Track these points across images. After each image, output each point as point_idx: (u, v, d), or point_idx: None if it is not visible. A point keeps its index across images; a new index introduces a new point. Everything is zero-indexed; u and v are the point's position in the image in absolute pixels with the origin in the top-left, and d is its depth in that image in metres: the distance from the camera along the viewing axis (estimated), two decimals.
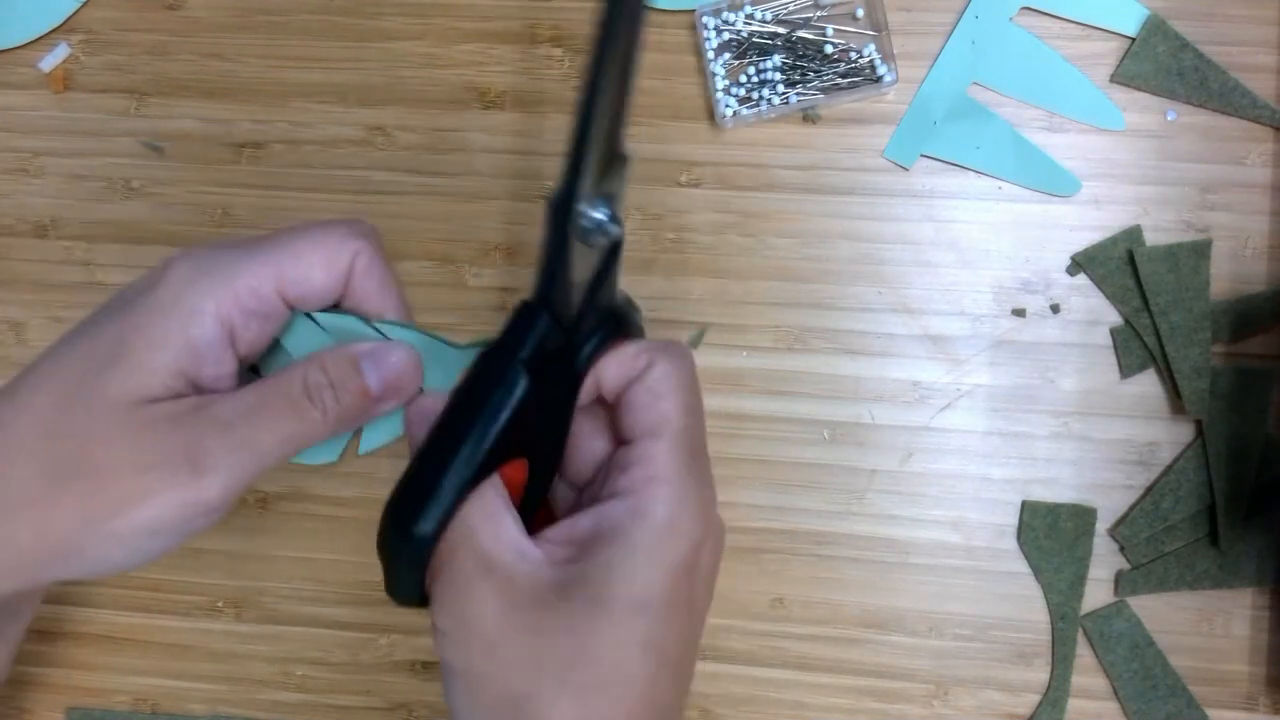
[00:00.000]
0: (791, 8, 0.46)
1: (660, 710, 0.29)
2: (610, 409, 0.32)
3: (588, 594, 0.28)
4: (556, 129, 0.47)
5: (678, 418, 0.30)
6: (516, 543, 0.29)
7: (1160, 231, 0.44)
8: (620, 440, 0.31)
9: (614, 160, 0.30)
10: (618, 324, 0.31)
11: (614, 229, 0.29)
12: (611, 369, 0.31)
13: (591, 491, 0.32)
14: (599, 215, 0.29)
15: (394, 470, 0.46)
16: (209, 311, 0.30)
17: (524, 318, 0.30)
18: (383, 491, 0.46)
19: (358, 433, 0.36)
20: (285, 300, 0.32)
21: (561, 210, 0.28)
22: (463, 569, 0.28)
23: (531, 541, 0.29)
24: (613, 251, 0.31)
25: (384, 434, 0.37)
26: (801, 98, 0.45)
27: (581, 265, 0.29)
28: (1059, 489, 0.44)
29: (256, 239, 0.32)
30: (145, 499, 0.29)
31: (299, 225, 0.33)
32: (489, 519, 0.29)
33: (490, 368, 0.29)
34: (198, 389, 0.31)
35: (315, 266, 0.32)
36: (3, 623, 0.36)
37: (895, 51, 0.45)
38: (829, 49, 0.45)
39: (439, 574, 0.29)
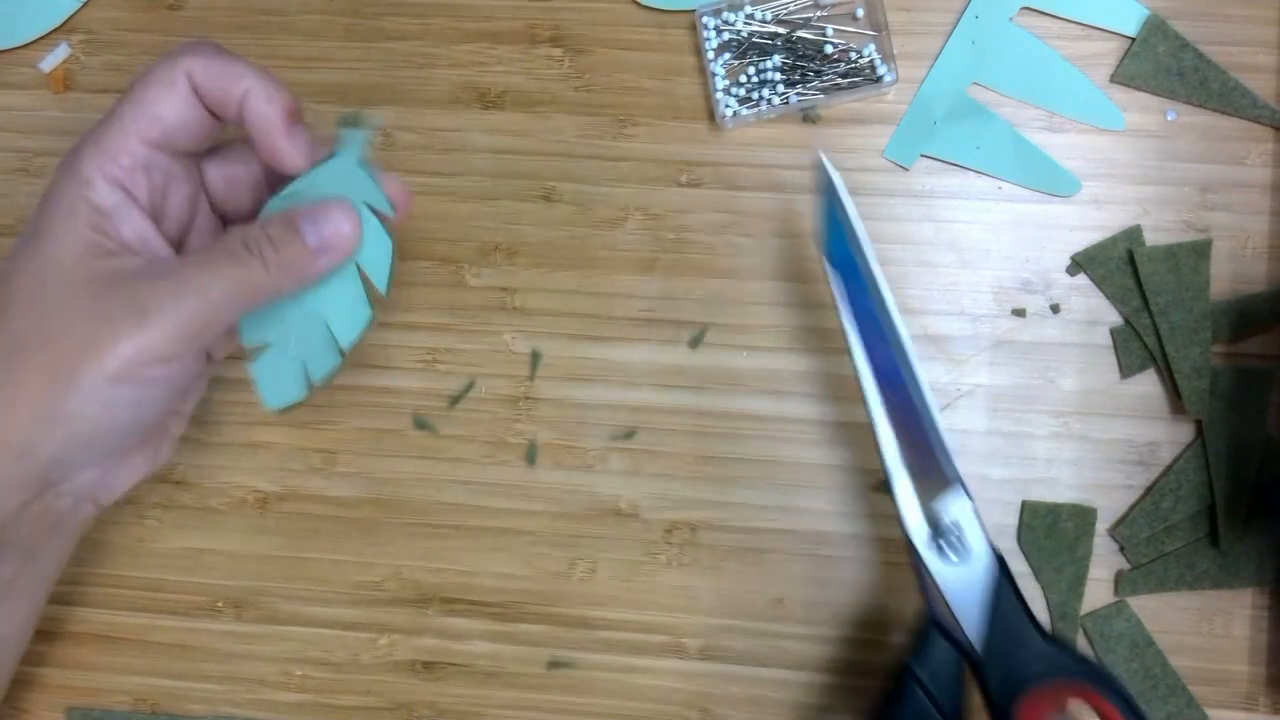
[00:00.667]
0: (791, 8, 0.46)
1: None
2: None
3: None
4: (556, 129, 0.47)
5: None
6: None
7: (1160, 231, 0.44)
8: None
9: (941, 484, 0.37)
10: (1071, 671, 0.35)
11: (961, 551, 0.37)
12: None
13: None
14: (946, 543, 0.37)
15: (394, 471, 0.46)
16: (94, 176, 0.34)
17: (921, 630, 0.38)
18: (382, 491, 0.46)
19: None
20: (152, 144, 0.35)
21: (911, 547, 0.37)
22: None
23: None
24: (1000, 580, 0.36)
25: (294, 391, 0.38)
26: (801, 98, 0.45)
27: (963, 588, 0.36)
28: (1059, 489, 0.44)
29: (114, 104, 0.36)
30: (99, 349, 0.32)
31: (134, 77, 0.36)
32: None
33: (896, 676, 0.37)
34: (129, 248, 0.34)
35: (156, 103, 0.35)
36: (18, 564, 0.36)
37: (895, 51, 0.45)
38: (829, 49, 0.45)
39: None
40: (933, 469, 0.37)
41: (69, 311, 0.33)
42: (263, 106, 0.35)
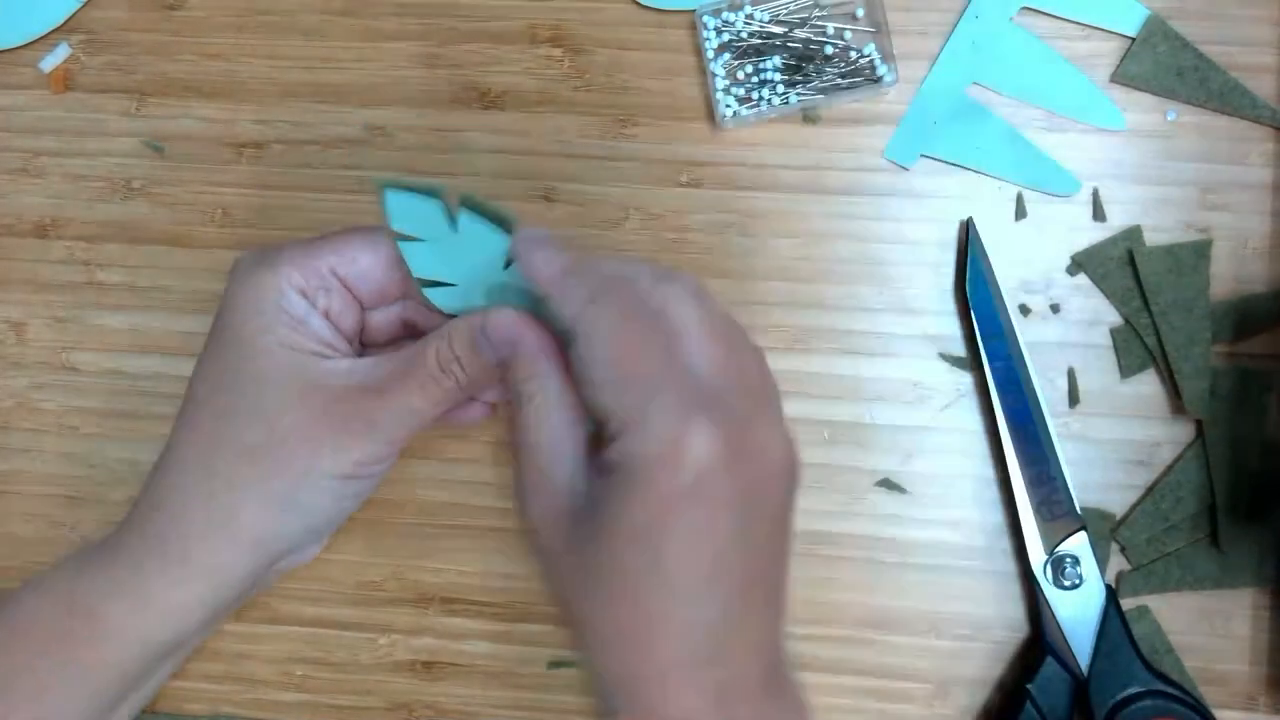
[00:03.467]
0: (791, 7, 0.46)
1: (683, 629, 0.30)
2: None
3: (595, 520, 0.30)
4: (556, 129, 0.47)
5: (618, 358, 0.31)
6: (566, 459, 0.32)
7: (1160, 231, 0.44)
8: None
9: (1060, 517, 0.42)
10: (1169, 698, 0.39)
11: (1076, 581, 0.41)
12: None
13: None
14: (1062, 573, 0.41)
15: (394, 470, 0.46)
16: (282, 286, 0.36)
17: (1032, 655, 0.42)
18: (382, 491, 0.46)
19: None
20: (341, 280, 0.37)
21: (1031, 576, 0.42)
22: (530, 480, 0.32)
23: (579, 461, 0.32)
24: (1109, 609, 0.40)
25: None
26: (801, 98, 0.45)
27: (1075, 615, 0.41)
28: None
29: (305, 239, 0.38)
30: (333, 456, 0.36)
31: (349, 226, 0.38)
32: (545, 436, 0.32)
33: (1012, 696, 0.41)
34: (323, 344, 0.36)
35: (361, 256, 0.37)
36: (205, 631, 0.40)
37: (895, 51, 0.45)
38: (829, 49, 0.45)
39: (515, 472, 0.33)
40: (1053, 503, 0.42)
41: (299, 418, 0.35)
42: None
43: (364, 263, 0.37)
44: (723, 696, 0.30)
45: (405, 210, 0.36)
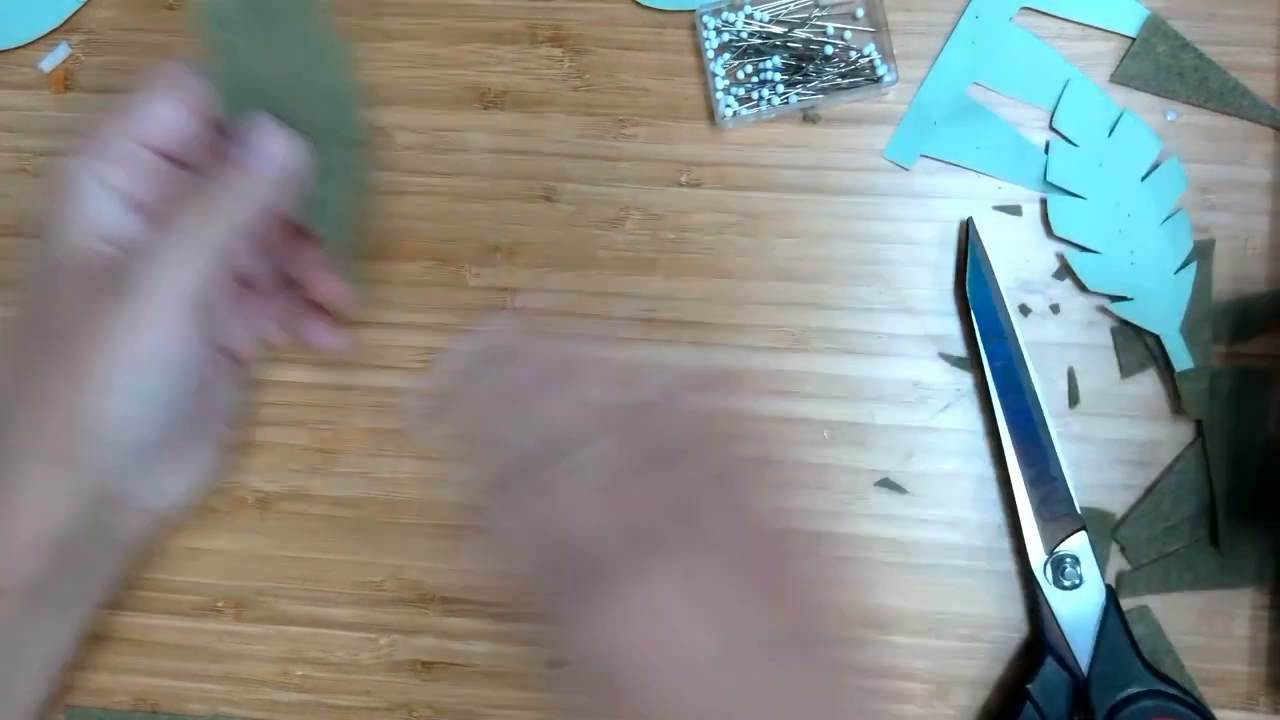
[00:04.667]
0: (791, 7, 0.46)
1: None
2: None
3: None
4: (557, 129, 0.47)
5: None
6: None
7: None
8: None
9: (1060, 518, 0.41)
10: (1170, 698, 0.39)
11: (1076, 581, 0.41)
12: None
13: None
14: (1063, 573, 0.41)
15: (394, 471, 0.46)
16: (89, 183, 0.35)
17: (1031, 655, 0.42)
18: (382, 491, 0.46)
19: None
20: (148, 146, 0.36)
21: (1031, 576, 0.41)
22: None
23: None
24: (1109, 609, 0.40)
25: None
26: (801, 98, 0.45)
27: (1075, 615, 0.40)
28: None
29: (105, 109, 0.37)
30: (102, 341, 0.33)
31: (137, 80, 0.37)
32: None
33: (1011, 696, 0.41)
34: (113, 241, 0.35)
35: (155, 104, 0.36)
36: (73, 579, 0.37)
37: (895, 51, 0.45)
38: (829, 49, 0.45)
39: None
40: (1053, 503, 0.42)
41: (71, 312, 0.33)
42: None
43: (164, 115, 0.36)
44: None
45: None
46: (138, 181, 0.36)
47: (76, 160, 0.36)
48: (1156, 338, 0.44)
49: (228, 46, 0.35)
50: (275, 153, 0.36)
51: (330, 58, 0.36)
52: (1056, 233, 0.44)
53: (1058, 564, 0.41)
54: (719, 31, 0.45)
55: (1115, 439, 0.44)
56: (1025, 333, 0.44)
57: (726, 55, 0.46)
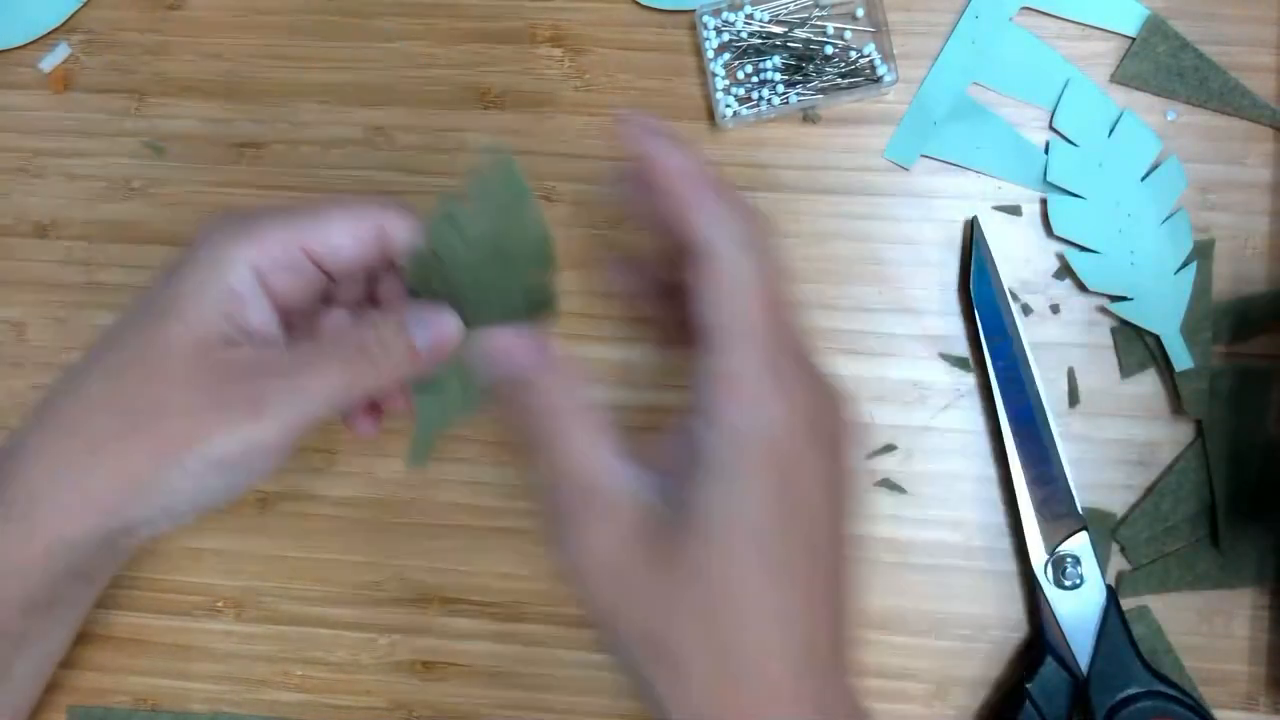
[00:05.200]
0: (791, 7, 0.46)
1: (797, 627, 0.28)
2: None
3: (698, 527, 0.27)
4: (557, 129, 0.47)
5: (749, 318, 0.29)
6: (622, 475, 0.29)
7: None
8: (694, 328, 0.30)
9: (1061, 518, 0.41)
10: (1168, 699, 0.39)
11: (1077, 581, 0.41)
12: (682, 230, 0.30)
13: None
14: (1063, 573, 0.41)
15: (394, 471, 0.46)
16: (240, 260, 0.34)
17: (1031, 654, 0.42)
18: (382, 491, 0.46)
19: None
20: (312, 258, 0.35)
21: (1032, 576, 0.42)
22: (575, 511, 0.29)
23: (627, 466, 0.29)
24: (1109, 609, 0.40)
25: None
26: (801, 98, 0.45)
27: (1075, 615, 0.41)
28: None
29: (288, 204, 0.36)
30: (211, 436, 0.33)
31: (330, 196, 0.37)
32: (591, 458, 0.29)
33: (1011, 695, 0.41)
34: (249, 335, 0.34)
35: (337, 232, 0.35)
36: (77, 589, 0.38)
37: (895, 51, 0.45)
38: (829, 49, 0.45)
39: (546, 511, 0.29)
40: (1055, 503, 0.42)
41: (187, 395, 0.33)
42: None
43: (338, 240, 0.35)
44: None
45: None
46: (291, 286, 0.35)
47: (233, 239, 0.34)
48: (1156, 338, 0.44)
49: (446, 237, 0.35)
50: (444, 341, 0.35)
51: (532, 249, 0.35)
52: (1056, 233, 0.44)
53: (1059, 564, 0.41)
54: (719, 31, 0.45)
55: (1115, 439, 0.44)
56: (1026, 333, 0.44)
57: (726, 55, 0.46)
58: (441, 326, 0.35)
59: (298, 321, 0.37)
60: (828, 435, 0.29)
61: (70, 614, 0.39)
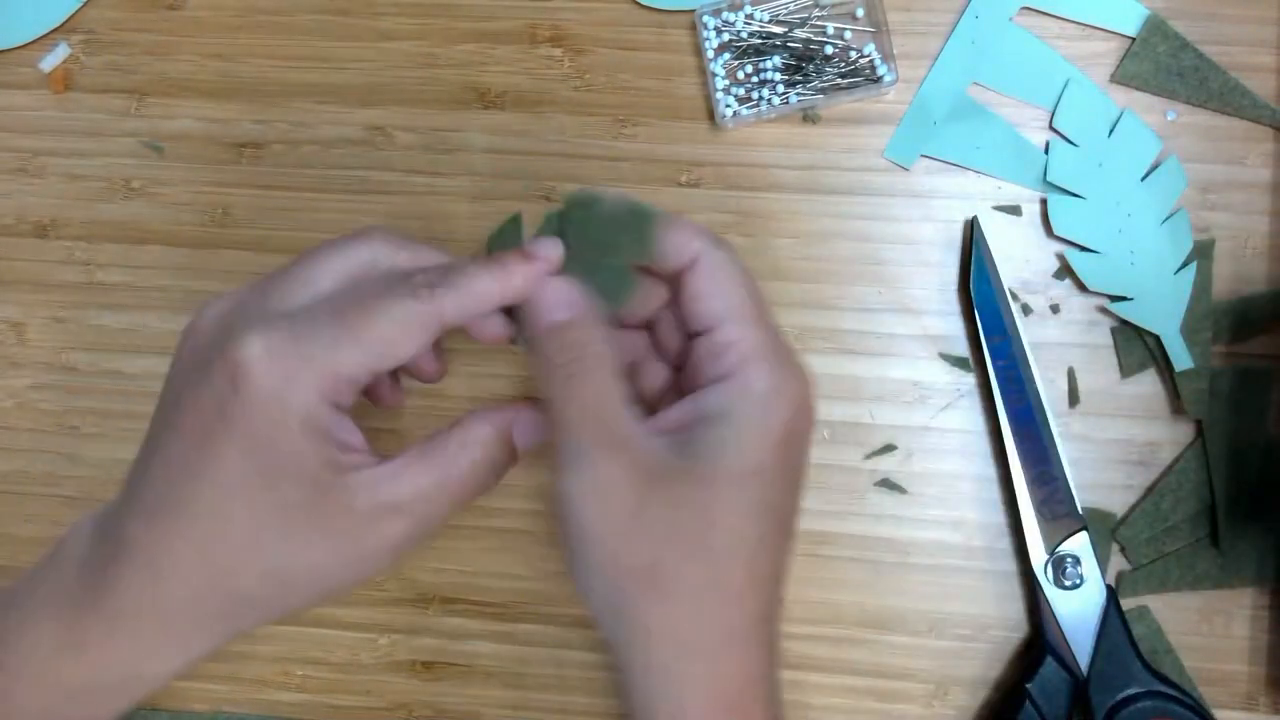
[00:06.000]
0: (791, 7, 0.46)
1: (774, 567, 0.33)
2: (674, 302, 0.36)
3: (705, 468, 0.31)
4: (557, 129, 0.47)
5: (747, 298, 0.34)
6: (635, 422, 0.33)
7: None
8: (692, 330, 0.35)
9: (1061, 517, 0.42)
10: (1169, 699, 0.39)
11: (1077, 581, 0.41)
12: (672, 258, 0.34)
13: (685, 380, 0.36)
14: (1063, 573, 0.41)
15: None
16: (320, 409, 0.32)
17: (1031, 654, 0.42)
18: None
19: None
20: (374, 374, 0.33)
21: (1032, 576, 0.42)
22: (592, 441, 0.32)
23: (639, 418, 0.33)
24: (1109, 609, 0.41)
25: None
26: (801, 98, 0.45)
27: (1075, 615, 0.41)
28: None
29: (323, 310, 0.32)
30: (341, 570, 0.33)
31: (359, 294, 0.33)
32: (610, 398, 0.33)
33: (1011, 694, 0.41)
34: (343, 448, 0.33)
35: (399, 345, 0.32)
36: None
37: (895, 51, 0.45)
38: (829, 49, 0.45)
39: (563, 441, 0.32)
40: (1055, 503, 0.42)
41: (319, 549, 0.32)
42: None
43: (404, 354, 0.33)
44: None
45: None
46: (349, 396, 0.33)
47: (291, 380, 0.31)
48: (1156, 338, 0.44)
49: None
50: (540, 437, 0.36)
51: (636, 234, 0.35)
52: (1056, 233, 0.44)
53: (1059, 564, 0.41)
54: (719, 31, 0.45)
55: (1115, 439, 0.44)
56: (1026, 333, 0.44)
57: (726, 55, 0.46)
58: (539, 425, 0.36)
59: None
60: (809, 405, 0.34)
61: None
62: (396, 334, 0.32)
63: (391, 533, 0.33)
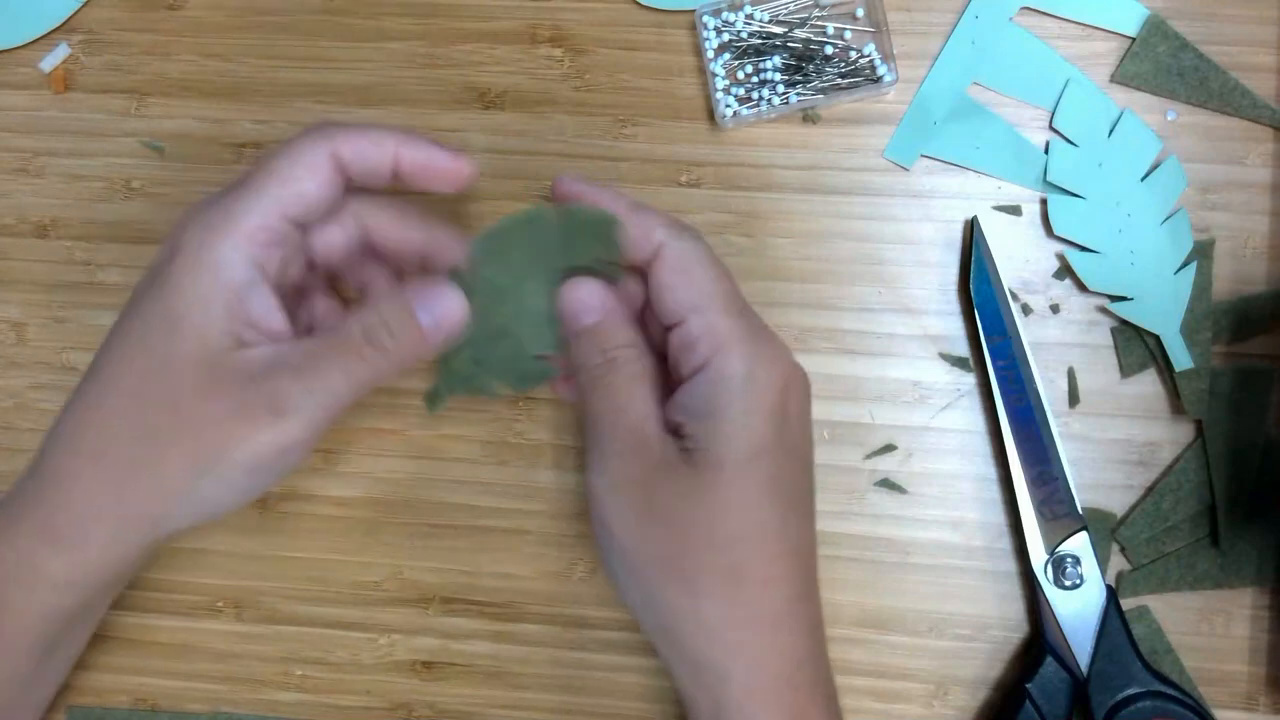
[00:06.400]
0: (791, 7, 0.46)
1: (794, 548, 0.33)
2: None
3: (705, 459, 0.32)
4: (557, 129, 0.47)
5: (714, 285, 0.34)
6: (658, 423, 0.34)
7: None
8: (665, 324, 0.35)
9: (1061, 517, 0.41)
10: (1168, 699, 0.39)
11: (1077, 581, 0.41)
12: (635, 251, 0.35)
13: (671, 372, 0.37)
14: (1063, 573, 0.41)
15: (394, 470, 0.46)
16: (232, 252, 0.34)
17: (1031, 654, 0.42)
18: (382, 491, 0.46)
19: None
20: (291, 221, 0.35)
21: (1032, 576, 0.42)
22: (615, 440, 0.34)
23: (660, 419, 0.35)
24: (1109, 609, 0.40)
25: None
26: (801, 98, 0.45)
27: (1075, 615, 0.40)
28: None
29: (240, 179, 0.35)
30: (240, 444, 0.33)
31: (268, 152, 0.36)
32: (635, 400, 0.34)
33: (1011, 694, 0.41)
34: (255, 327, 0.35)
35: (302, 180, 0.35)
36: (104, 597, 0.39)
37: (895, 51, 0.45)
38: (829, 49, 0.45)
39: (592, 440, 0.35)
40: (1055, 503, 0.42)
41: (211, 405, 0.33)
42: (421, 153, 0.37)
43: (312, 188, 0.35)
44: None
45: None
46: (282, 262, 0.36)
47: (221, 235, 0.34)
48: (1156, 338, 0.44)
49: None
50: (450, 319, 0.36)
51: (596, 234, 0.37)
52: (1056, 233, 0.44)
53: (1059, 564, 0.41)
54: (719, 31, 0.45)
55: (1115, 439, 0.44)
56: (1026, 333, 0.44)
57: (726, 55, 0.46)
58: (446, 304, 0.36)
59: (292, 306, 0.37)
60: (797, 381, 0.34)
61: (95, 618, 0.41)
62: (296, 171, 0.35)
63: (283, 397, 0.33)
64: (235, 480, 0.34)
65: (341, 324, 0.35)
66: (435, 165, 0.37)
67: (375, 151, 0.36)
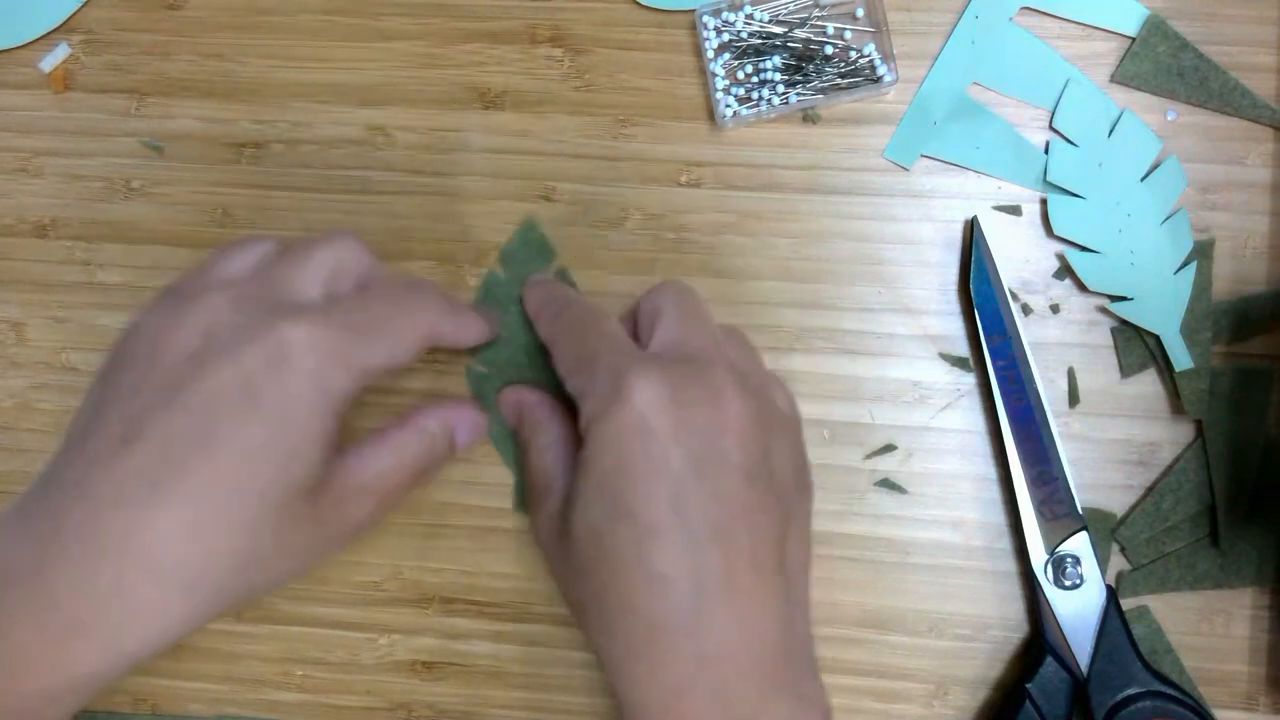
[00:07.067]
0: (791, 7, 0.46)
1: (659, 582, 0.32)
2: None
3: (572, 505, 0.35)
4: (556, 129, 0.47)
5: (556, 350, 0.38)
6: (558, 469, 0.38)
7: None
8: None
9: (1061, 516, 0.42)
10: (1169, 699, 0.39)
11: (1077, 580, 0.41)
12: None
13: None
14: (1063, 572, 0.41)
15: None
16: (344, 397, 0.34)
17: (1031, 654, 0.42)
18: None
19: None
20: (387, 371, 0.36)
21: (1028, 570, 0.42)
22: (538, 488, 0.39)
23: (568, 469, 0.38)
24: (1109, 609, 0.41)
25: None
26: (801, 98, 0.45)
27: (1075, 615, 0.41)
28: None
29: (344, 310, 0.35)
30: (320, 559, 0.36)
31: (391, 294, 0.37)
32: (548, 453, 0.39)
33: (1011, 695, 0.41)
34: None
35: (411, 349, 0.37)
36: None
37: (895, 51, 0.45)
38: (829, 49, 0.45)
39: (526, 494, 0.41)
40: (1055, 503, 0.42)
41: (297, 533, 0.34)
42: (463, 333, 0.41)
43: (408, 356, 0.37)
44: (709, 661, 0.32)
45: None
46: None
47: (336, 377, 0.34)
48: (1156, 338, 0.44)
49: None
50: (478, 438, 0.43)
51: None
52: (1056, 233, 0.44)
53: (1059, 564, 0.41)
54: (719, 31, 0.45)
55: (1115, 439, 0.44)
56: (1026, 333, 0.44)
57: (726, 55, 0.46)
58: (478, 426, 0.42)
59: None
60: (701, 416, 0.33)
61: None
62: (411, 340, 0.37)
63: (359, 513, 0.36)
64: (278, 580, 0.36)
65: (398, 434, 0.38)
66: (467, 338, 0.41)
67: (451, 335, 0.40)
